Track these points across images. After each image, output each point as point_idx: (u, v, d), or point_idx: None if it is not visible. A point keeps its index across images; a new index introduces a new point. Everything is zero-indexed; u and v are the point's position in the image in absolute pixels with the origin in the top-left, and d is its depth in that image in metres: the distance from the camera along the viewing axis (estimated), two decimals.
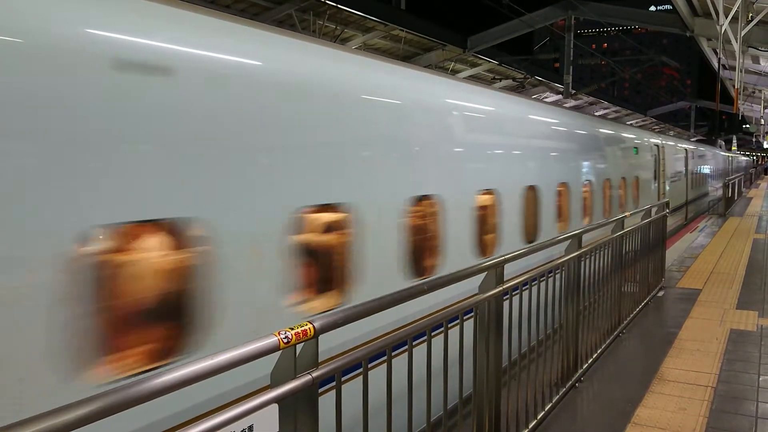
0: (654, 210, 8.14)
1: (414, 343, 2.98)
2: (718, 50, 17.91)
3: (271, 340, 2.14)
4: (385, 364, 2.77)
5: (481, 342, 3.70)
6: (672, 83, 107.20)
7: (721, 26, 13.79)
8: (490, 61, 22.29)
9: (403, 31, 17.22)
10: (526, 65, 24.16)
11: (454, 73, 19.76)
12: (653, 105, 55.05)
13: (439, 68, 19.82)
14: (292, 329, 2.23)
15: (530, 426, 4.22)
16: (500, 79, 24.88)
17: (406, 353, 2.95)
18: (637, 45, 38.65)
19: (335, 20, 16.01)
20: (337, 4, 14.41)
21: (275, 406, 2.13)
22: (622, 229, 6.42)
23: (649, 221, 7.72)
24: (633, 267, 7.13)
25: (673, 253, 12.00)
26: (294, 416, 2.28)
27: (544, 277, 4.54)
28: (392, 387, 2.80)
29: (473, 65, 22.69)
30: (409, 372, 2.95)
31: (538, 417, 4.36)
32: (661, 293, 8.59)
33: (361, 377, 2.67)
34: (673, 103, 52.34)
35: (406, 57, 19.05)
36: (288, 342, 2.18)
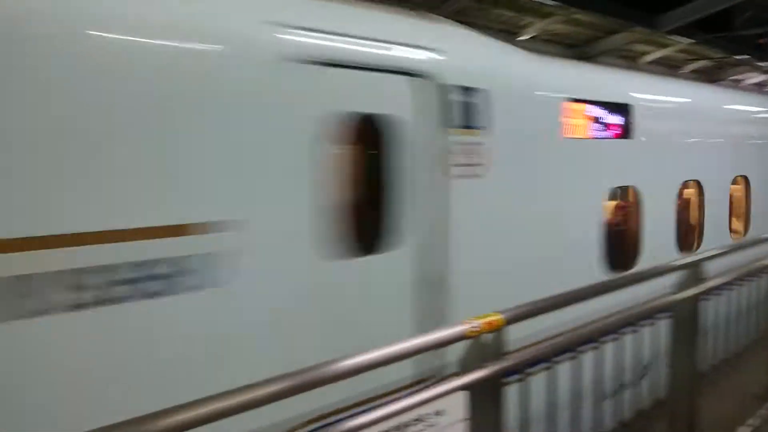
0: None
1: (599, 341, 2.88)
2: None
3: (460, 329, 2.19)
4: (569, 361, 2.71)
5: (678, 344, 3.46)
6: None
7: None
8: (682, 42, 20.43)
9: (584, 14, 16.39)
10: (723, 43, 21.82)
11: (642, 55, 18.45)
12: None
13: (624, 51, 18.64)
14: (480, 319, 2.26)
15: None
16: (693, 60, 22.74)
17: (592, 350, 2.86)
18: None
19: (511, 8, 15.72)
20: None
21: (464, 393, 2.18)
22: None
23: None
24: None
25: None
26: (480, 404, 2.32)
27: (747, 280, 4.14)
28: (578, 384, 2.73)
29: (662, 46, 20.98)
30: (598, 371, 2.86)
31: None
32: None
33: (544, 372, 2.63)
34: None
35: (587, 41, 18.16)
36: (477, 331, 2.21)
